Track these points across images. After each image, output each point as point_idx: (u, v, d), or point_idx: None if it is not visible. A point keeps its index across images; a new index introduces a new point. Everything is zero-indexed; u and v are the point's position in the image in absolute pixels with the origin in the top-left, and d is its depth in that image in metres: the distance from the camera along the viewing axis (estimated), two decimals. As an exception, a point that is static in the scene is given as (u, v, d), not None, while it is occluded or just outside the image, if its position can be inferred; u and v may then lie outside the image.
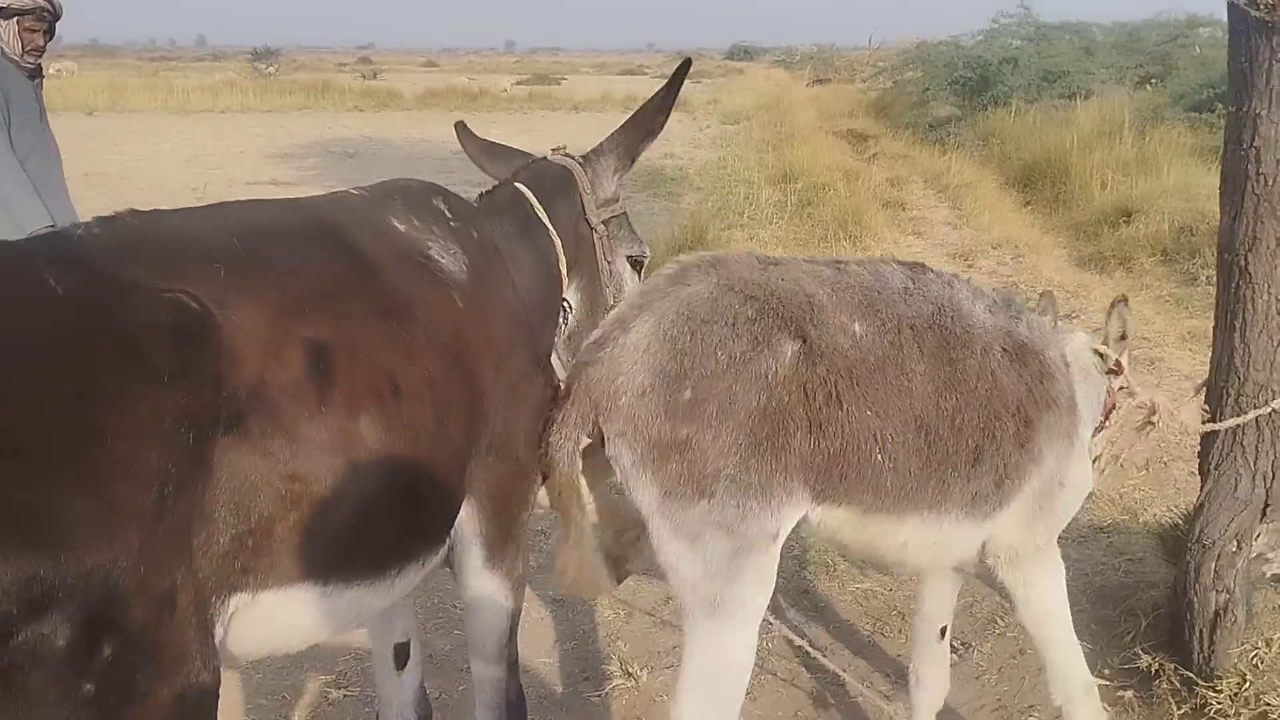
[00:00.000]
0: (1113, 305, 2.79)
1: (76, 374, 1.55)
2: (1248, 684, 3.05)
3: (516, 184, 2.74)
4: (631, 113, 2.88)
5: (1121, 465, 2.98)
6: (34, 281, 1.63)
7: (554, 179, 2.78)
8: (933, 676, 2.97)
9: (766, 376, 2.17)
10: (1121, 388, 2.80)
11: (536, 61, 72.63)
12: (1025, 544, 2.62)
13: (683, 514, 2.17)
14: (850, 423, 2.25)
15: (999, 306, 2.56)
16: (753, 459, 2.17)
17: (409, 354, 2.08)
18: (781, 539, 2.27)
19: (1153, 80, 17.59)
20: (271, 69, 41.88)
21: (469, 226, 2.47)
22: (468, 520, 2.33)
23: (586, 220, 2.77)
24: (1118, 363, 2.74)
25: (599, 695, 3.54)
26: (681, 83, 2.87)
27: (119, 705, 1.55)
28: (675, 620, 3.85)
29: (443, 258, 2.32)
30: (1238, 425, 3.10)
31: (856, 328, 2.30)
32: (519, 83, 40.05)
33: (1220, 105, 13.07)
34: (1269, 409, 3.03)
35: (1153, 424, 2.88)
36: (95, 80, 32.10)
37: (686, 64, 2.96)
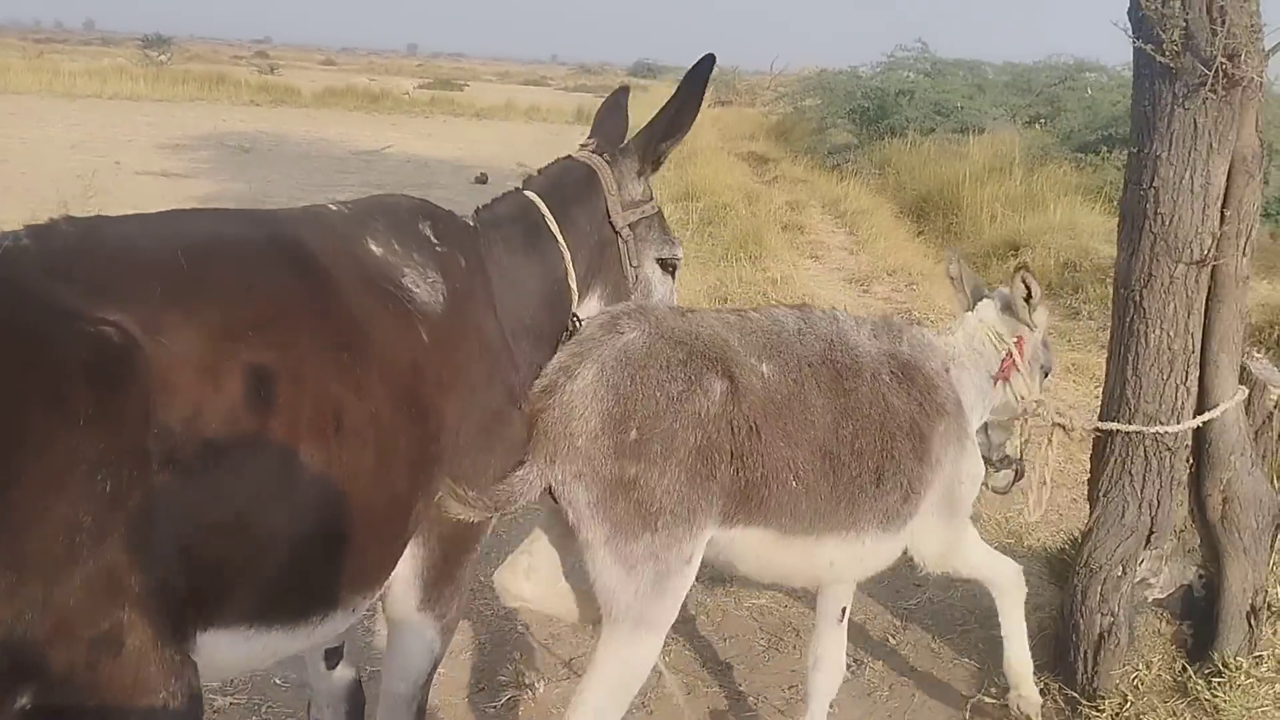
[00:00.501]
0: (1015, 271, 3.02)
1: None
2: (1128, 704, 3.17)
3: (527, 192, 2.60)
4: (655, 114, 2.72)
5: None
6: None
7: (574, 180, 2.64)
8: (829, 659, 3.06)
9: (700, 414, 2.37)
10: (1013, 363, 3.00)
11: (439, 66, 71.99)
12: (943, 541, 2.87)
13: (626, 547, 2.34)
14: (767, 454, 2.46)
15: (881, 330, 2.80)
16: (688, 492, 2.35)
17: (357, 389, 1.94)
18: (696, 561, 2.46)
19: (1042, 120, 18.21)
20: (164, 57, 40.58)
21: (455, 251, 2.33)
22: (409, 560, 2.20)
23: (611, 224, 2.64)
24: (1016, 336, 3.01)
25: (494, 706, 3.49)
26: (706, 80, 2.74)
27: None
28: (571, 633, 3.84)
29: (416, 286, 2.18)
30: (1126, 454, 3.22)
31: (765, 368, 2.52)
32: (421, 86, 39.62)
33: (1105, 148, 13.63)
34: (1155, 429, 3.16)
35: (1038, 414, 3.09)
36: (-26, 58, 30.79)
37: (709, 60, 2.82)
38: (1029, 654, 3.13)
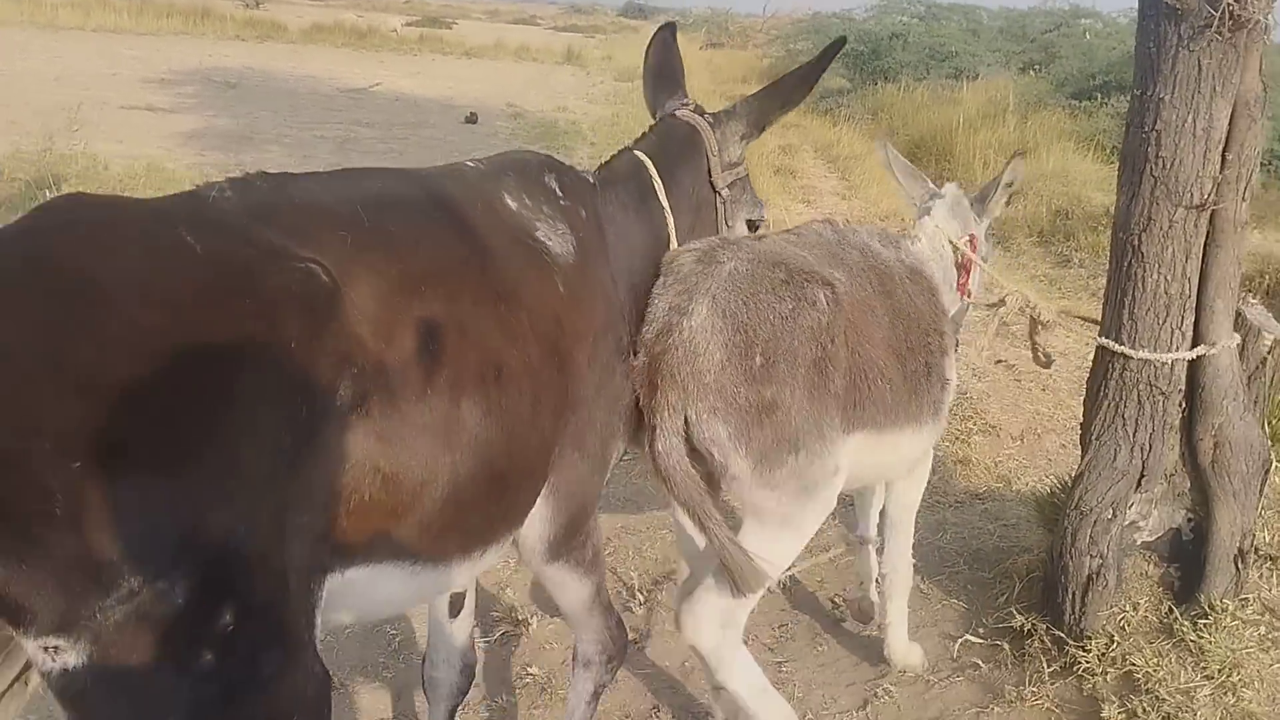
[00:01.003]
0: (1013, 157, 3.23)
1: (211, 333, 1.53)
2: (1115, 645, 3.21)
3: (637, 152, 2.69)
4: (771, 81, 2.85)
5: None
6: (174, 240, 1.60)
7: (680, 141, 2.74)
8: (895, 562, 3.27)
9: (813, 327, 2.45)
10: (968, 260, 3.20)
11: (427, 3, 70.87)
12: (930, 440, 3.04)
13: (772, 473, 2.42)
14: (864, 356, 2.59)
15: (885, 239, 2.97)
16: (816, 405, 2.46)
17: (513, 339, 2.06)
18: (843, 474, 2.59)
19: (1036, 66, 18.09)
20: (147, -10, 39.91)
21: (578, 205, 2.43)
22: (540, 507, 2.29)
23: (711, 184, 2.74)
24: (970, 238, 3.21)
25: (487, 642, 3.52)
26: (831, 60, 2.84)
27: (243, 686, 1.50)
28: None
29: (549, 239, 2.29)
30: (1120, 398, 3.23)
31: (840, 277, 2.61)
32: (409, 24, 39.06)
33: (1099, 95, 13.55)
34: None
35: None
36: (-48, -11, 30.16)
37: (841, 41, 2.94)
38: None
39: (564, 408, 2.23)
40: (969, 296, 3.26)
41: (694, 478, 2.39)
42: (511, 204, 2.28)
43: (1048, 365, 3.47)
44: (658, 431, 2.37)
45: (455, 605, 2.72)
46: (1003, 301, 3.29)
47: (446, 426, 1.88)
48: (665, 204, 2.64)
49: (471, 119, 15.15)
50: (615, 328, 2.44)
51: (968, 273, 3.22)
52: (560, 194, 2.41)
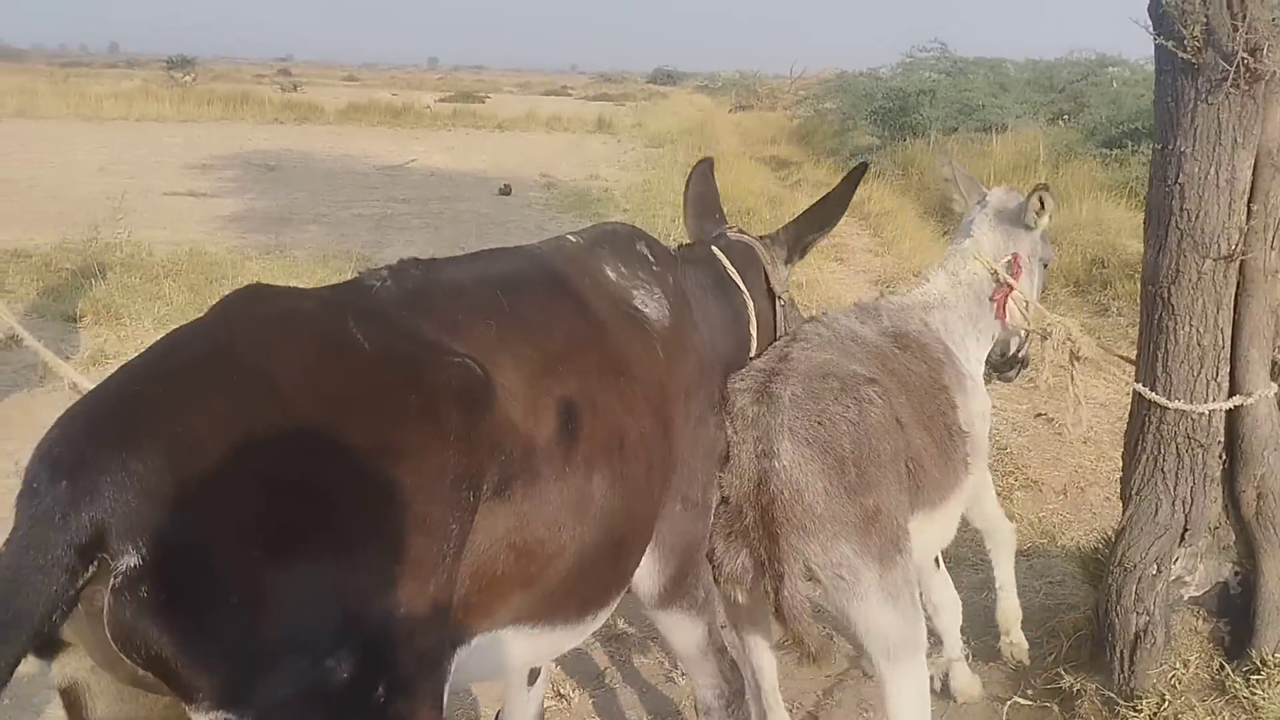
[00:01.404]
0: (1034, 191, 3.29)
1: (380, 428, 1.62)
2: (1166, 704, 3.14)
3: (711, 247, 2.81)
4: (807, 208, 2.99)
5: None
6: (345, 336, 1.70)
7: (740, 251, 2.85)
8: (945, 600, 3.43)
9: (880, 424, 2.54)
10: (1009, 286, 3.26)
11: (460, 79, 72.29)
12: (978, 480, 3.13)
13: (891, 577, 2.47)
14: (913, 441, 2.67)
15: (862, 315, 3.04)
16: (903, 499, 2.54)
17: (631, 410, 2.16)
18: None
19: (1065, 116, 18.11)
20: (188, 78, 41.00)
21: (666, 270, 2.53)
22: (649, 560, 2.37)
23: (771, 289, 2.85)
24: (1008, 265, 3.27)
25: (530, 717, 3.51)
26: (858, 183, 2.97)
27: None
28: (605, 644, 3.86)
29: (645, 305, 2.39)
30: (1158, 452, 3.20)
31: (862, 370, 2.69)
32: (442, 99, 39.82)
33: (1130, 142, 13.52)
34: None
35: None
36: (1, 84, 31.12)
37: (863, 167, 3.07)
38: (1018, 603, 3.55)
39: (669, 468, 2.33)
40: (1010, 321, 3.32)
41: (809, 613, 2.47)
42: (611, 274, 2.38)
43: (1077, 423, 3.54)
44: (785, 579, 2.43)
45: (534, 673, 2.77)
46: (1048, 332, 3.31)
47: (578, 501, 1.97)
48: (745, 292, 2.74)
49: (505, 191, 15.37)
50: (708, 383, 2.54)
51: (1004, 299, 3.27)
52: (652, 260, 2.51)
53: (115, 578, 1.40)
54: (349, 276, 2.22)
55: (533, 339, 1.99)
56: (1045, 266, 3.51)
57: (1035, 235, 3.37)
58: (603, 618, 2.25)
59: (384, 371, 1.69)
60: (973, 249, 3.29)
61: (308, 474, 1.52)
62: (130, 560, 1.40)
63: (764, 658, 2.96)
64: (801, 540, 2.42)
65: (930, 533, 2.82)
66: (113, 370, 1.65)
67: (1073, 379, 3.44)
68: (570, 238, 2.49)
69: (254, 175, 16.69)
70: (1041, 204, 3.26)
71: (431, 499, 1.62)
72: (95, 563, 1.40)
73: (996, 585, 3.55)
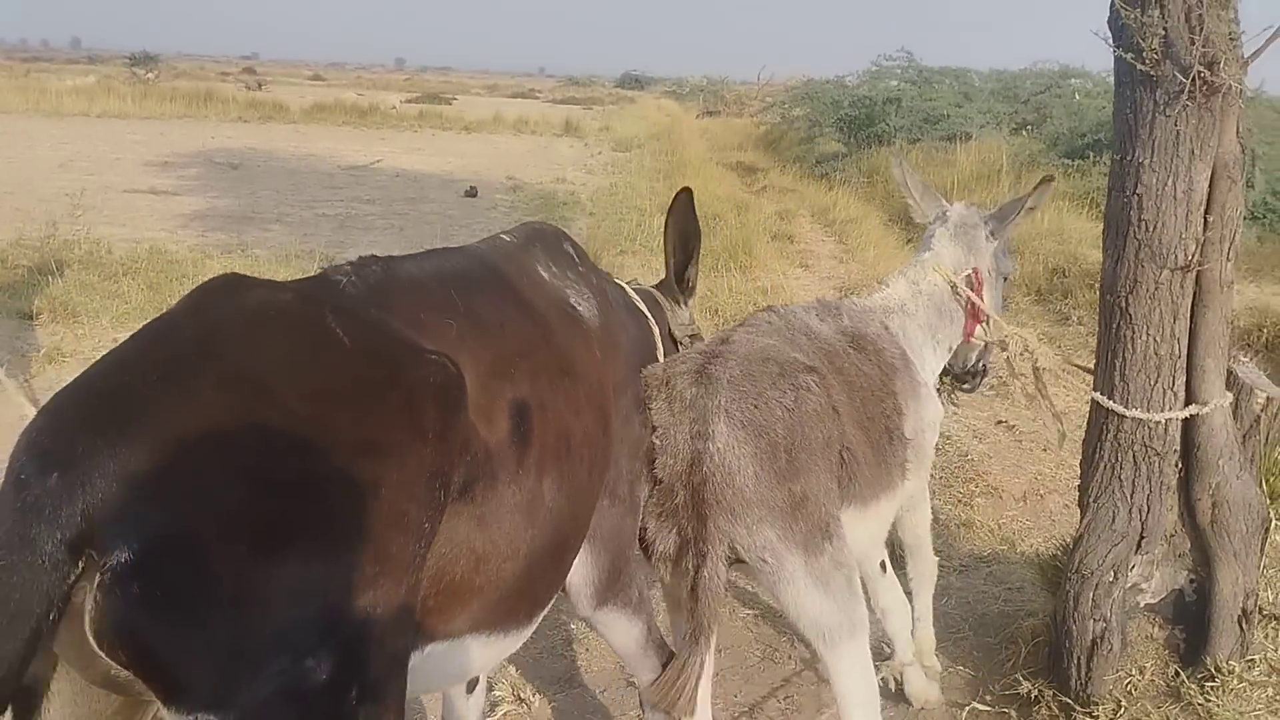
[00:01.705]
0: (1044, 181, 3.41)
1: (364, 425, 1.61)
2: (1122, 710, 3.17)
3: (617, 280, 2.86)
4: (670, 246, 3.00)
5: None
6: (325, 331, 1.68)
7: (644, 293, 2.93)
8: (893, 603, 3.42)
9: (815, 411, 2.56)
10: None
11: (426, 80, 71.97)
12: (917, 487, 3.16)
13: (817, 563, 2.48)
14: (847, 433, 2.69)
15: (823, 312, 3.05)
16: (832, 487, 2.55)
17: (576, 410, 2.15)
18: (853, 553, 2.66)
19: (1028, 127, 18.31)
20: (151, 75, 40.55)
21: (590, 273, 2.55)
22: (583, 556, 2.36)
23: (672, 336, 2.92)
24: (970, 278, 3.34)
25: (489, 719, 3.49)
26: (692, 207, 2.96)
27: None
28: (565, 648, 3.84)
29: (579, 305, 2.39)
30: (1115, 460, 3.23)
31: (806, 361, 2.71)
32: (409, 100, 39.64)
33: (1091, 153, 13.68)
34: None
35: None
36: (-40, 78, 30.67)
37: (687, 193, 3.01)
38: (933, 633, 3.61)
39: (605, 465, 2.34)
40: (974, 337, 3.41)
41: (717, 598, 2.47)
42: (544, 274, 2.37)
43: (1061, 440, 3.61)
44: (707, 558, 2.44)
45: (472, 682, 2.74)
46: (1004, 344, 3.36)
47: (530, 504, 1.97)
48: (648, 314, 2.81)
49: (471, 193, 15.32)
50: (634, 381, 2.57)
51: (975, 315, 3.34)
52: (577, 260, 2.52)
53: (104, 574, 1.37)
54: (311, 275, 2.19)
55: (488, 339, 1.97)
56: (1006, 279, 3.55)
57: (995, 248, 3.42)
58: (540, 617, 2.24)
59: (365, 367, 1.68)
60: (933, 261, 3.34)
61: (295, 469, 1.51)
62: (121, 556, 1.37)
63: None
64: (728, 523, 2.44)
65: (860, 530, 2.82)
66: (68, 369, 1.62)
67: (1042, 392, 3.48)
68: (504, 236, 2.47)
69: (216, 174, 16.53)
70: (1034, 205, 3.41)
71: (410, 497, 1.62)
72: (83, 559, 1.37)
73: (914, 615, 3.52)
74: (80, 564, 1.37)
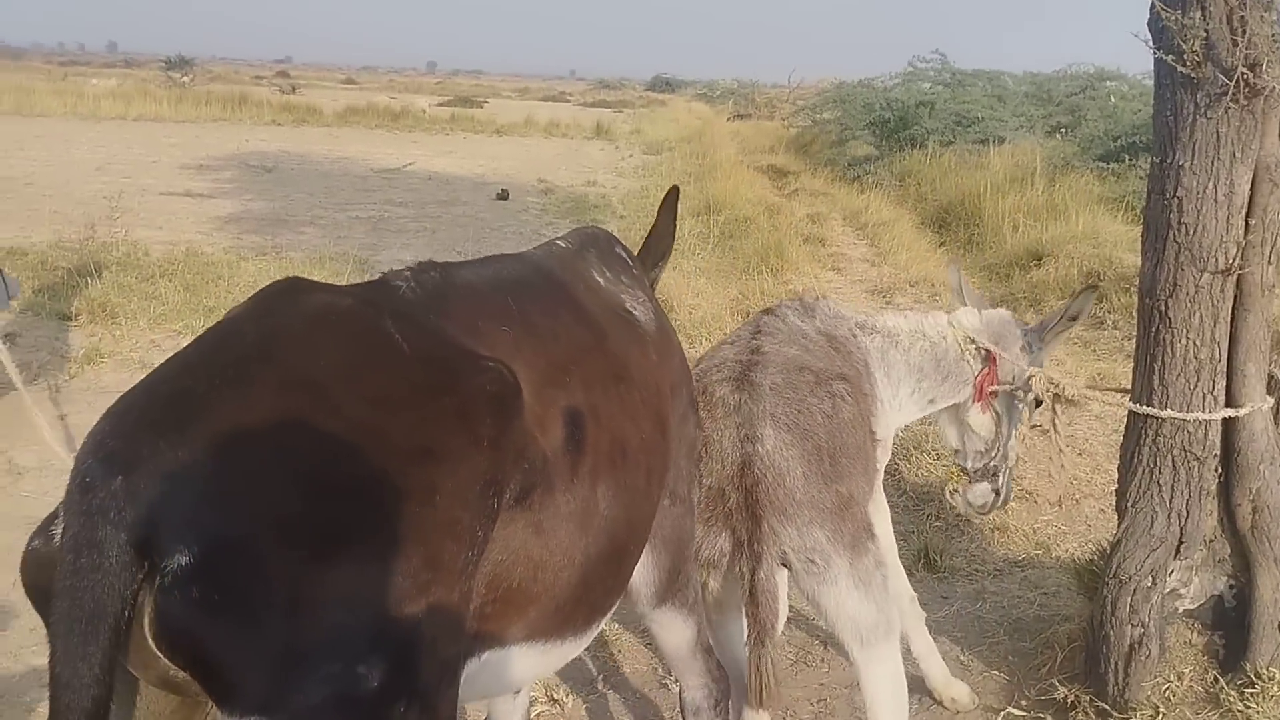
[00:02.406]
0: (1086, 289, 3.42)
1: (420, 431, 1.61)
2: (1160, 716, 3.15)
3: None
4: (642, 246, 2.89)
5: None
6: (384, 336, 1.70)
7: None
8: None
9: (851, 418, 2.66)
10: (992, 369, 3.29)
11: (458, 83, 72.34)
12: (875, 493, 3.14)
13: (862, 563, 2.55)
14: (857, 438, 2.74)
15: (802, 311, 3.10)
16: (867, 489, 2.64)
17: (632, 417, 2.16)
18: None
19: (1063, 130, 18.14)
20: (186, 79, 40.98)
21: (642, 274, 2.57)
22: (646, 557, 2.38)
23: None
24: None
25: (524, 722, 3.50)
26: (675, 208, 2.88)
27: None
28: (599, 649, 3.85)
29: (635, 309, 2.40)
30: (1154, 464, 3.21)
31: (844, 369, 2.85)
32: (441, 104, 39.84)
33: (1127, 156, 13.56)
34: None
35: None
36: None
37: (674, 191, 2.93)
38: (944, 665, 3.54)
39: (664, 468, 2.35)
40: (981, 400, 3.32)
41: (777, 601, 2.55)
42: (599, 279, 2.39)
43: (1060, 469, 3.77)
44: (763, 559, 2.51)
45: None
46: (1028, 386, 3.29)
47: (585, 511, 1.96)
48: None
49: (503, 195, 15.38)
50: (689, 380, 2.57)
51: (984, 383, 3.28)
52: (630, 263, 2.55)
53: (164, 577, 1.39)
54: (346, 279, 2.21)
55: (543, 346, 1.98)
56: (1039, 405, 3.38)
57: (1037, 358, 3.36)
58: (603, 623, 2.25)
59: (422, 374, 1.69)
60: (948, 318, 3.32)
61: (352, 474, 1.52)
62: (181, 559, 1.38)
63: (738, 652, 2.97)
64: (781, 523, 2.51)
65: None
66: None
67: (1055, 426, 3.41)
68: (560, 242, 2.49)
69: (251, 176, 16.68)
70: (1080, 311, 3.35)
71: (464, 504, 1.62)
72: (147, 561, 1.40)
73: (915, 654, 3.50)
74: (145, 565, 1.40)
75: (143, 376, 1.62)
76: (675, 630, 2.56)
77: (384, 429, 1.57)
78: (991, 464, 3.40)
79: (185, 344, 1.68)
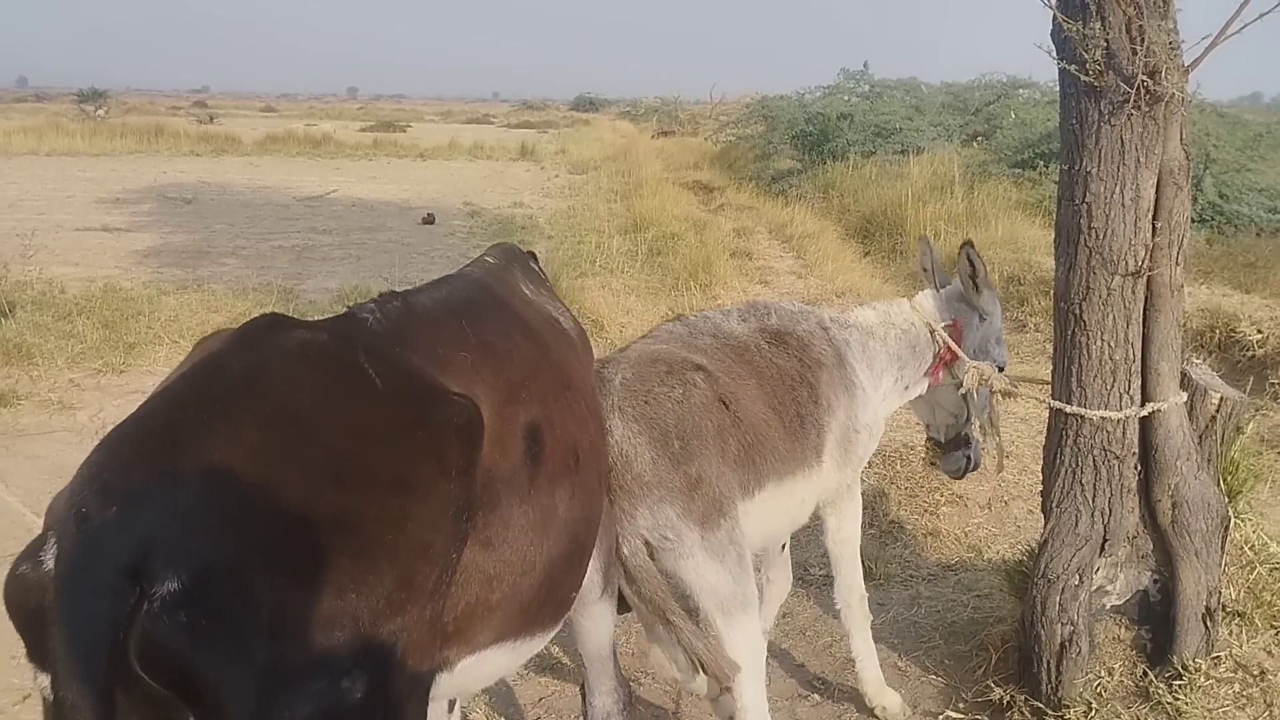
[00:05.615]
0: (961, 247, 3.51)
1: (395, 462, 1.71)
2: (1093, 712, 3.20)
3: None
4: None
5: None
6: (360, 372, 1.79)
7: None
8: (780, 577, 3.65)
9: (702, 403, 2.80)
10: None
11: (380, 108, 71.80)
12: (839, 483, 3.27)
13: (713, 538, 2.72)
14: (745, 419, 2.91)
15: (748, 313, 3.29)
16: (726, 470, 2.79)
17: (580, 422, 2.29)
18: (753, 532, 2.90)
19: (980, 138, 18.53)
20: (100, 111, 40.15)
21: (548, 284, 2.73)
22: (594, 555, 2.51)
23: None
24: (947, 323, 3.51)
25: (464, 751, 3.47)
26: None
27: None
28: (539, 673, 3.83)
29: (561, 318, 2.55)
30: (1076, 465, 3.27)
31: (703, 360, 2.96)
32: (363, 129, 39.52)
33: (1041, 163, 13.87)
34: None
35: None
36: (-95, 120, 30.21)
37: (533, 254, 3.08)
38: (879, 671, 3.57)
39: (607, 466, 2.54)
40: (937, 379, 3.55)
41: (656, 575, 2.67)
42: (527, 292, 2.52)
43: (999, 467, 3.85)
44: (622, 538, 2.66)
45: (452, 702, 2.79)
46: (960, 381, 3.44)
47: (545, 518, 2.08)
48: None
49: (429, 220, 15.27)
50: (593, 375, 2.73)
51: (941, 359, 3.50)
52: (542, 275, 2.70)
53: (153, 602, 1.45)
54: (270, 309, 2.21)
55: (499, 366, 2.08)
56: (1000, 369, 3.60)
57: (985, 327, 3.58)
58: (559, 624, 2.34)
59: (396, 408, 1.77)
60: (910, 303, 3.54)
61: (332, 504, 1.60)
62: (170, 585, 1.45)
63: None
64: (633, 505, 2.66)
65: (777, 508, 3.03)
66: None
67: (995, 423, 3.64)
68: (488, 259, 2.59)
69: (169, 209, 16.37)
70: (971, 264, 3.48)
71: (436, 529, 1.73)
72: (138, 588, 1.45)
73: (853, 654, 3.56)
74: (137, 591, 1.45)
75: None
76: (605, 626, 2.68)
77: (361, 461, 1.67)
78: (962, 433, 3.66)
79: (153, 380, 1.70)
